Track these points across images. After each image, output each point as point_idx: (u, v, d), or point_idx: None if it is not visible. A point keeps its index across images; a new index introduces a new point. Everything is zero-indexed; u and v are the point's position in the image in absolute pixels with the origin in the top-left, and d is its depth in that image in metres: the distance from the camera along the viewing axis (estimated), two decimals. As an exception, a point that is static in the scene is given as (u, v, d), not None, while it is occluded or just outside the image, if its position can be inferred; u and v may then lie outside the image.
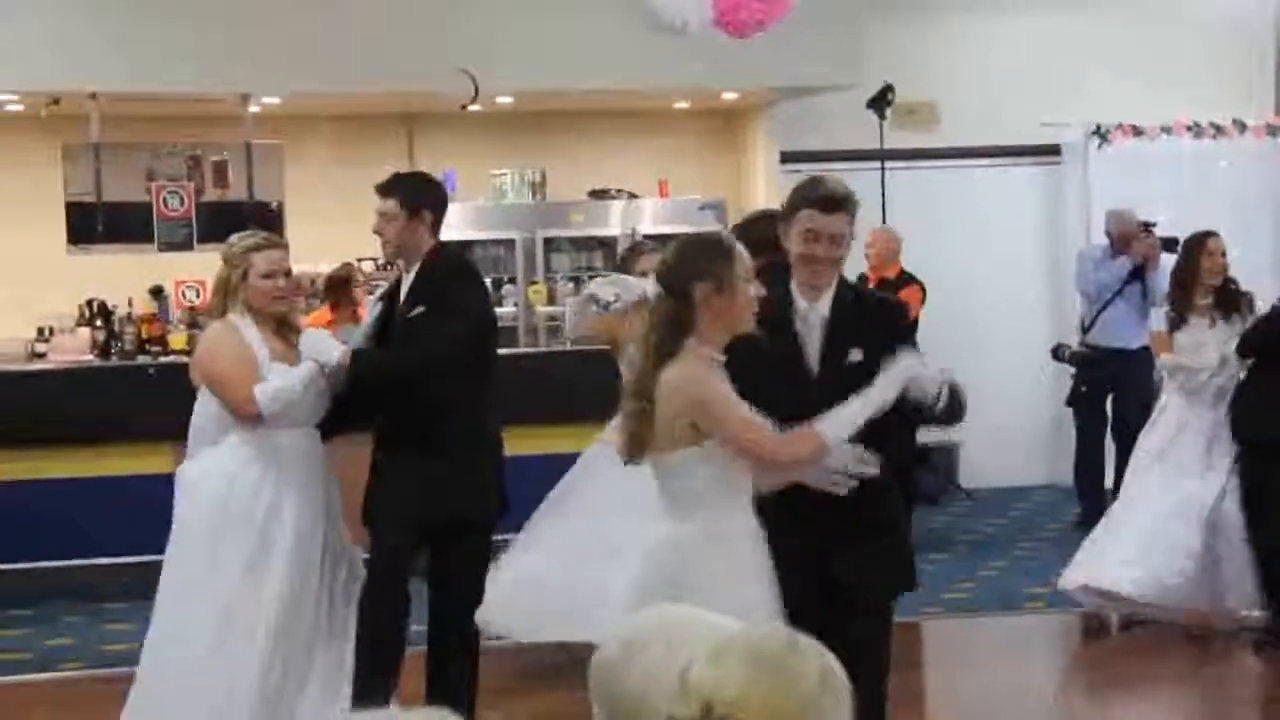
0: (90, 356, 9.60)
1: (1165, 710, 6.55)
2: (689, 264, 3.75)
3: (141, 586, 7.68)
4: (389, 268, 10.71)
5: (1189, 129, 10.87)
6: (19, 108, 9.83)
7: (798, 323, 4.09)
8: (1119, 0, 11.15)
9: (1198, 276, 7.24)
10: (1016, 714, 6.15)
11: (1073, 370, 9.56)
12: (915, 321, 7.13)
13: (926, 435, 7.89)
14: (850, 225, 4.13)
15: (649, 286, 5.32)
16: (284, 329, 5.09)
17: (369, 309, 5.45)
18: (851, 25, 9.95)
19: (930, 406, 3.96)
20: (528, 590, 5.72)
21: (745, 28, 6.71)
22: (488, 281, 7.17)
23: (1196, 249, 7.32)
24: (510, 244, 10.60)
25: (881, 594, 4.17)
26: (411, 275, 5.14)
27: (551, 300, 10.25)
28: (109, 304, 10.18)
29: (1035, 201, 11.15)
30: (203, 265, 10.16)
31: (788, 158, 10.84)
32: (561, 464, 7.91)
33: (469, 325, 5.08)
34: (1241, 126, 10.92)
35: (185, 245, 10.59)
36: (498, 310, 6.69)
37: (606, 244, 11.00)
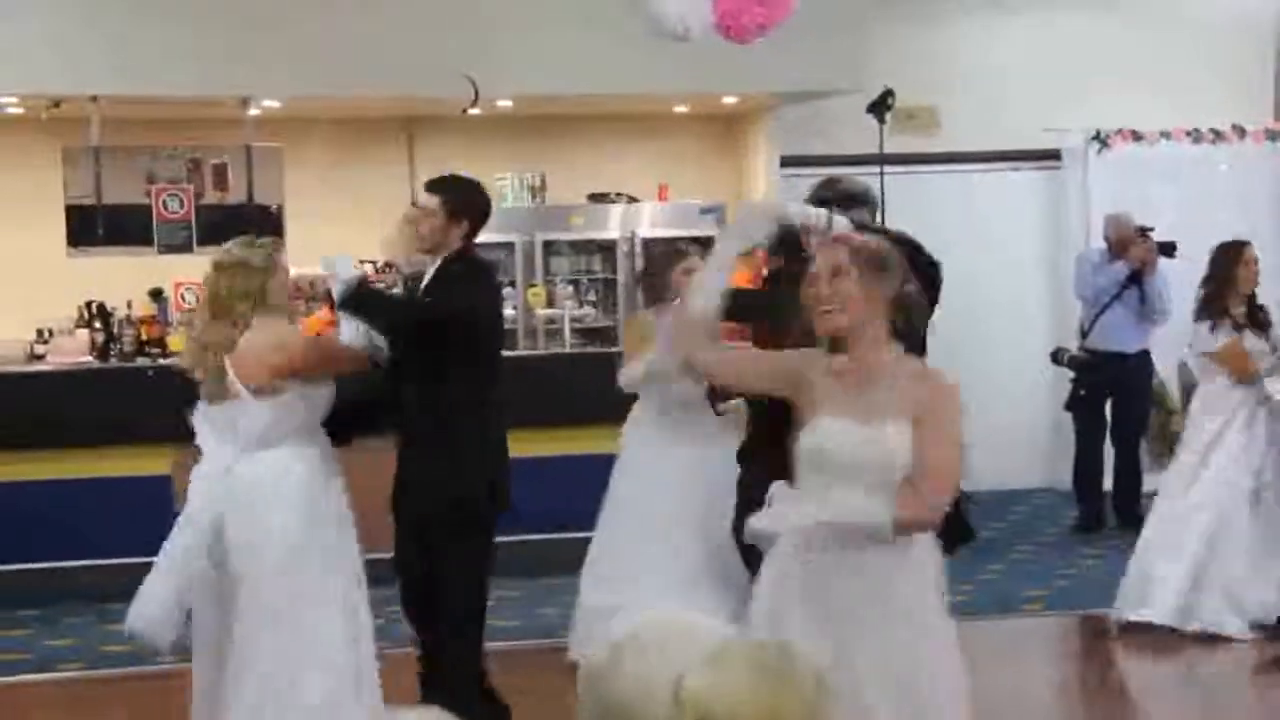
0: (89, 358, 9.60)
1: (1166, 714, 6.55)
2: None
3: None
4: (389, 270, 10.74)
5: (1188, 134, 10.88)
6: (19, 110, 9.83)
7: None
8: (1119, 5, 11.17)
9: (1233, 285, 7.22)
10: (1016, 717, 6.14)
11: (1072, 374, 9.57)
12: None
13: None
14: (871, 222, 4.15)
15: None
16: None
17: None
18: (852, 30, 9.96)
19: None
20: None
21: (746, 32, 6.71)
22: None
23: (1232, 257, 7.28)
24: (510, 247, 10.60)
25: None
26: (431, 274, 5.29)
27: (551, 303, 10.25)
28: (108, 306, 10.18)
29: (1035, 206, 11.16)
30: (202, 268, 10.08)
31: (788, 162, 10.84)
32: (560, 466, 7.93)
33: (465, 311, 5.15)
34: (1241, 132, 10.93)
35: (185, 248, 10.60)
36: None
37: (606, 248, 11.02)
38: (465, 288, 5.21)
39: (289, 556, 4.72)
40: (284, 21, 9.12)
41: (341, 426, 5.13)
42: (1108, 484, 9.68)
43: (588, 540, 7.44)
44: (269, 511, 4.76)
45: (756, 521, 3.47)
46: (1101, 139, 10.87)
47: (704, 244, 9.86)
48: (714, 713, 1.93)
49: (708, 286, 3.73)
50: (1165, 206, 10.63)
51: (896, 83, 10.03)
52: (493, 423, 5.26)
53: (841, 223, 3.97)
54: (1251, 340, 7.15)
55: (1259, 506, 7.03)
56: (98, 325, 10.06)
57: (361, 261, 10.40)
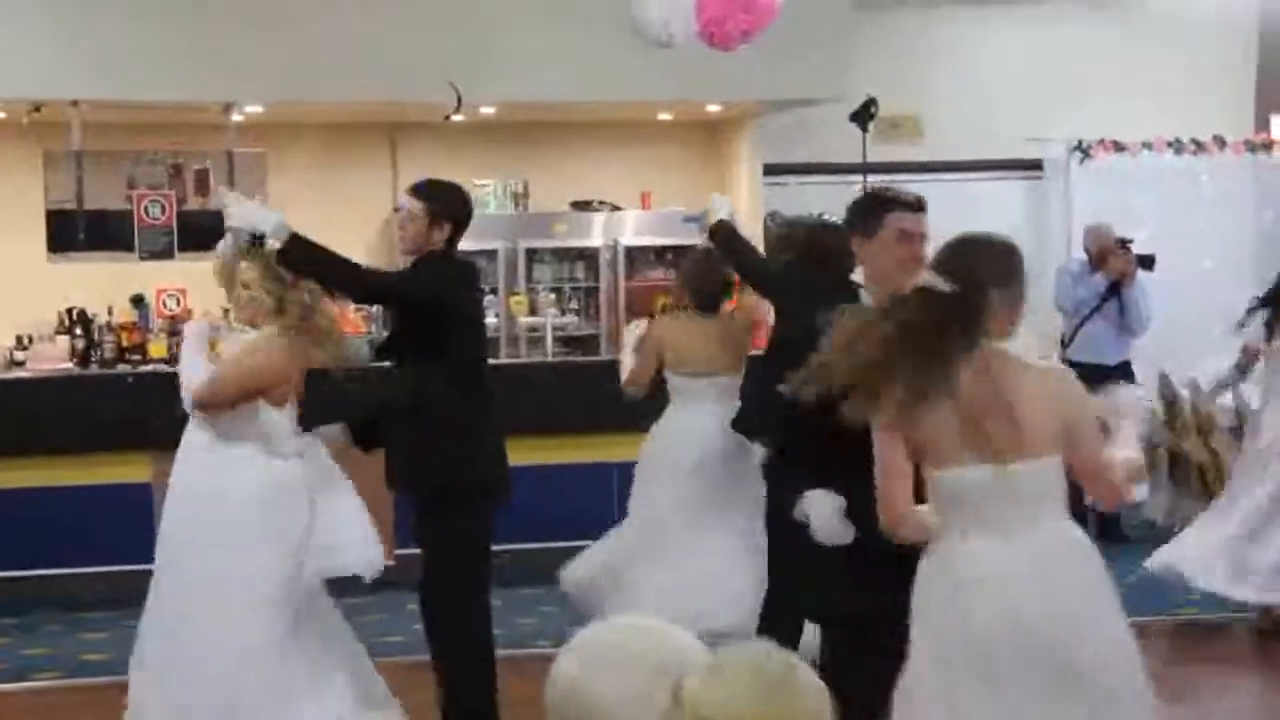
0: (69, 365, 9.56)
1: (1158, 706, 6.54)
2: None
3: (120, 596, 7.68)
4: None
5: (1170, 145, 10.92)
6: (0, 115, 9.80)
7: None
8: (1103, 16, 11.20)
9: None
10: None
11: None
12: None
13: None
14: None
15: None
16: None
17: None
18: (836, 38, 9.97)
19: None
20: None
21: (730, 40, 6.72)
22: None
23: None
24: (492, 254, 10.59)
25: None
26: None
27: (533, 311, 10.24)
28: (89, 312, 10.14)
29: (1018, 216, 11.18)
30: (183, 274, 10.15)
31: (771, 170, 10.86)
32: (543, 476, 7.92)
33: (419, 292, 5.21)
34: (1222, 143, 10.98)
35: (166, 254, 10.57)
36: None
37: (589, 255, 11.01)
38: (431, 276, 5.23)
39: (201, 547, 4.99)
40: (267, 27, 9.10)
41: (366, 432, 5.31)
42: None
43: (570, 550, 7.44)
44: (203, 500, 5.03)
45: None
46: (1083, 149, 10.90)
47: (685, 252, 9.97)
48: (715, 718, 1.92)
49: None
50: (1146, 217, 10.66)
51: (880, 92, 10.05)
52: (476, 418, 5.26)
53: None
54: None
55: None
56: (78, 331, 10.02)
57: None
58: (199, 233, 10.44)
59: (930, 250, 4.00)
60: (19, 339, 9.96)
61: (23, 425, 8.04)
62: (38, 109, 9.48)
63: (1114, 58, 11.12)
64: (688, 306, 6.85)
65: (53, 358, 9.63)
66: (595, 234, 10.96)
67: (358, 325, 10.16)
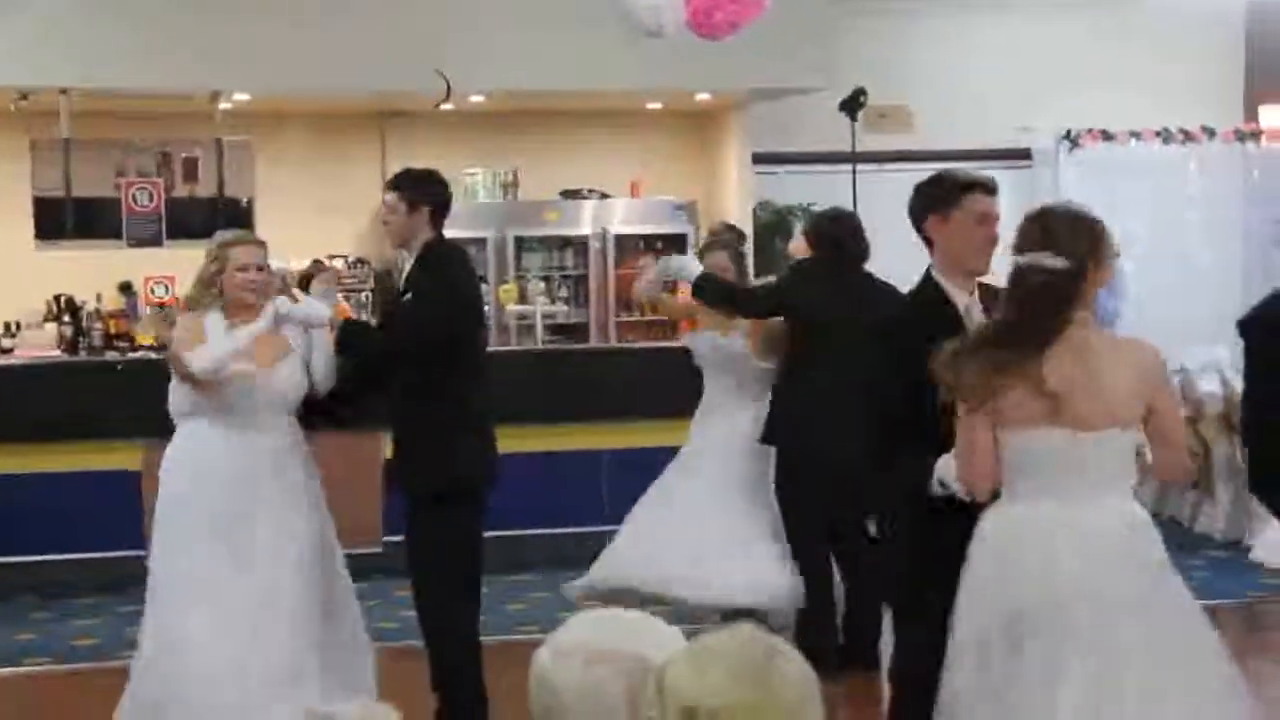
0: (57, 352, 9.55)
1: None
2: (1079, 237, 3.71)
3: (109, 582, 7.69)
4: (361, 264, 10.72)
5: (1158, 134, 10.94)
6: (-12, 102, 9.78)
7: (966, 321, 4.05)
8: (1091, 6, 11.21)
9: None
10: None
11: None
12: None
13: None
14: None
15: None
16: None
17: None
18: (825, 28, 9.97)
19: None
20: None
21: (719, 29, 6.71)
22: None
23: None
24: (482, 243, 10.58)
25: None
26: (409, 266, 5.43)
27: (523, 299, 10.24)
28: (77, 300, 10.13)
29: (1006, 206, 11.14)
30: (172, 262, 10.13)
31: (760, 159, 10.86)
32: (532, 463, 7.92)
33: (445, 309, 5.27)
34: (1210, 132, 10.99)
35: (154, 241, 10.54)
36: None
37: (578, 243, 11.01)
38: (443, 282, 5.27)
39: (170, 516, 5.08)
40: (255, 15, 9.08)
41: (307, 414, 5.33)
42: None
43: (560, 536, 7.46)
44: (167, 475, 5.15)
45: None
46: (1072, 139, 10.91)
47: (675, 241, 9.96)
48: (698, 706, 1.92)
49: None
50: (1135, 206, 10.68)
51: (869, 81, 10.03)
52: (480, 409, 5.31)
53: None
54: None
55: None
56: (66, 319, 10.00)
57: (332, 257, 10.42)
58: (187, 221, 10.44)
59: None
60: (7, 326, 9.95)
61: (11, 413, 8.02)
62: (25, 97, 9.45)
63: (1103, 47, 11.13)
64: None
65: (41, 345, 9.62)
66: (584, 222, 10.96)
67: (347, 312, 10.15)
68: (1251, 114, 11.29)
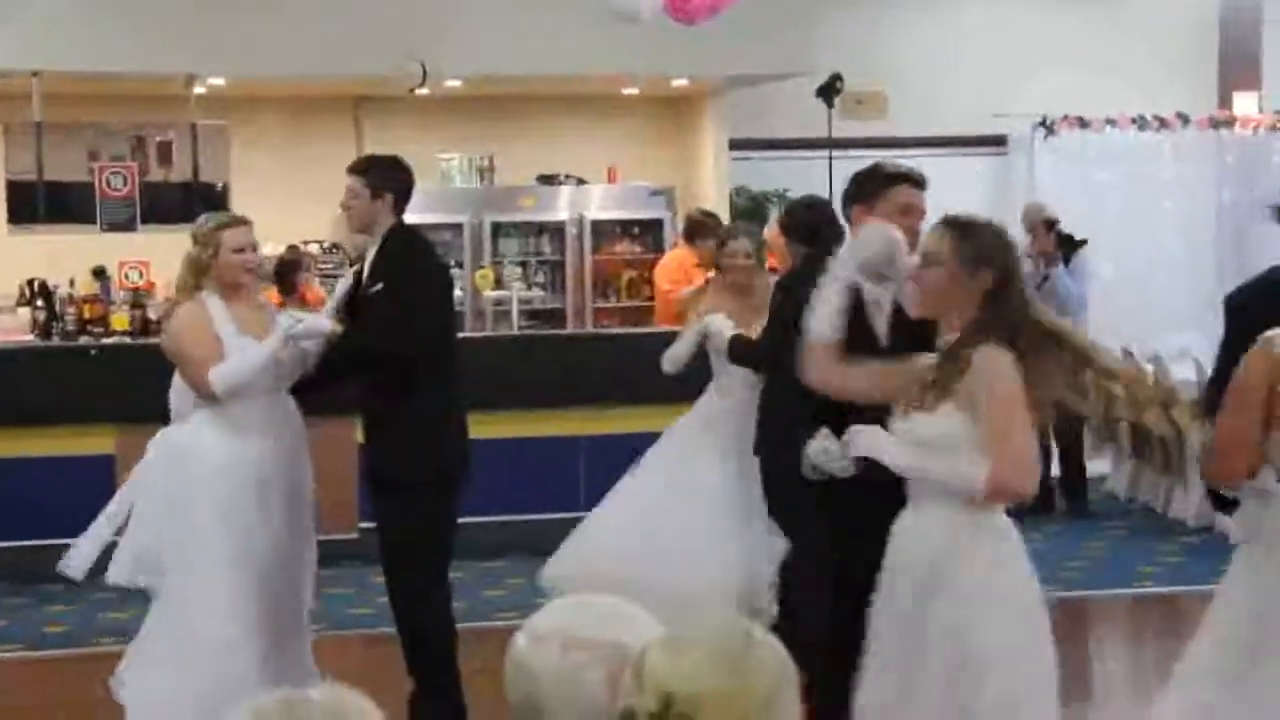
0: (31, 337, 9.50)
1: (1116, 691, 6.62)
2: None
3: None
4: (335, 250, 10.69)
5: (1134, 121, 10.98)
6: (-40, 85, 9.71)
7: (870, 307, 4.08)
8: (1066, -7, 11.25)
9: None
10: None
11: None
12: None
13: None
14: None
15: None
16: (253, 302, 5.27)
17: (339, 285, 5.61)
18: (801, 14, 9.98)
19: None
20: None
21: (696, 15, 6.72)
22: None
23: None
24: (458, 228, 10.56)
25: None
26: (373, 252, 5.36)
27: (499, 285, 10.22)
28: (50, 284, 10.07)
29: (982, 192, 11.21)
30: (146, 246, 10.09)
31: (737, 145, 10.87)
32: (508, 450, 7.92)
33: (428, 299, 5.26)
34: (1184, 119, 11.03)
35: (128, 226, 10.49)
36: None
37: (554, 229, 11.00)
38: (414, 272, 5.26)
39: (174, 512, 5.06)
40: (230, -2, 9.04)
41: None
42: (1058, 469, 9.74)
43: (536, 523, 7.44)
44: (164, 474, 5.11)
45: (853, 439, 3.65)
46: (1047, 125, 10.94)
47: (650, 226, 9.93)
48: (676, 691, 1.93)
49: (828, 309, 3.76)
50: (1110, 192, 10.73)
51: (845, 67, 10.06)
52: (453, 395, 5.32)
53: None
54: None
55: None
56: (39, 304, 9.95)
57: (307, 242, 10.39)
58: (161, 205, 10.38)
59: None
60: (-21, 311, 9.90)
61: (-16, 398, 7.98)
62: (-3, 79, 9.40)
63: (1078, 35, 11.16)
64: None
65: (14, 330, 9.57)
66: (561, 208, 10.94)
67: (322, 297, 10.13)
68: (1226, 101, 11.34)
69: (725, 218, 9.66)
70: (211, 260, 5.10)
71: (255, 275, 5.25)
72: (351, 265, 10.69)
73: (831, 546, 4.12)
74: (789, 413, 6.01)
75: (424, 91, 9.82)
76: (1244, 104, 11.21)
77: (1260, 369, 3.54)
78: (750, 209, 10.84)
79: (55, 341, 9.46)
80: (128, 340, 9.14)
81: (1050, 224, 9.41)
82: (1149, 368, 9.39)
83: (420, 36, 9.23)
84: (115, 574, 5.12)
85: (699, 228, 8.70)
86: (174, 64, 9.29)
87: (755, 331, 6.43)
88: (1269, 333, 3.58)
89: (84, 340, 9.33)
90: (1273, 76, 11.32)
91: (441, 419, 5.28)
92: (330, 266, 10.50)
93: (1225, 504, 3.97)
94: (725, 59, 9.63)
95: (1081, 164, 10.81)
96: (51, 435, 7.92)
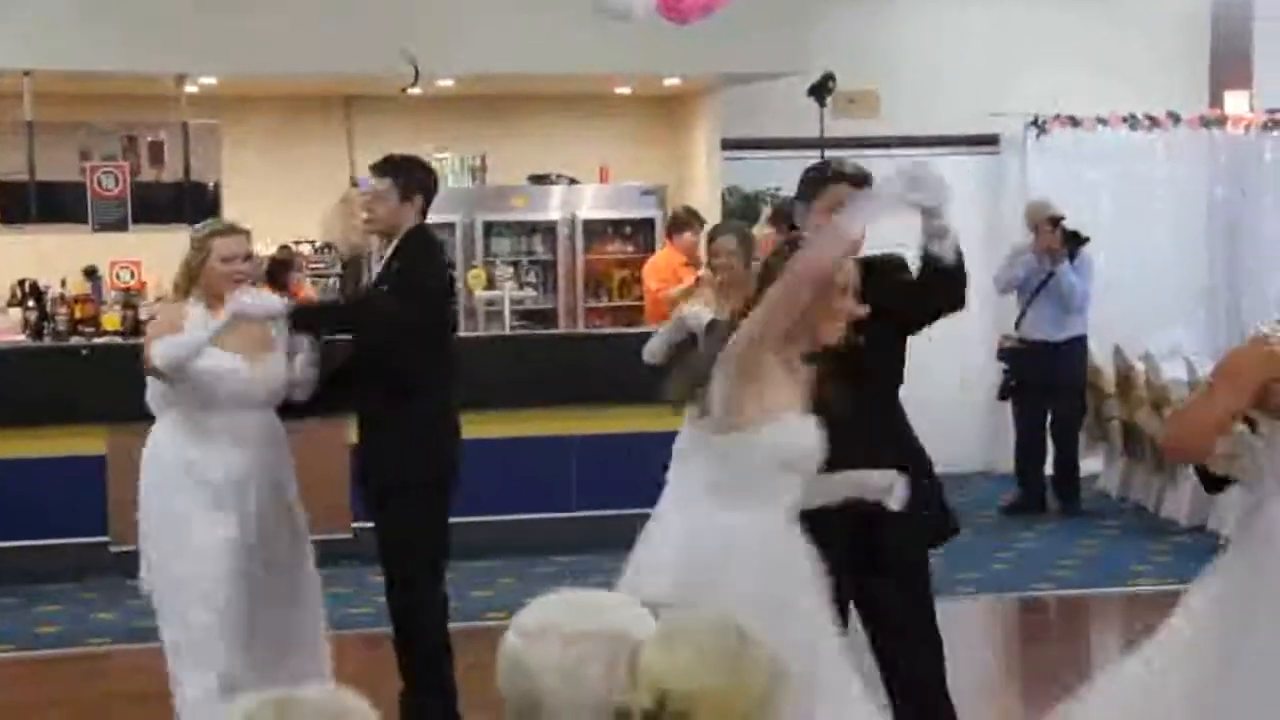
0: (22, 337, 9.48)
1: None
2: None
3: (75, 568, 7.64)
4: (327, 250, 10.68)
5: (1125, 120, 10.98)
6: (-49, 84, 9.69)
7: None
8: (1058, -8, 11.25)
9: None
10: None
11: (1004, 364, 9.64)
12: None
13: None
14: None
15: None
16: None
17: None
18: (794, 13, 9.98)
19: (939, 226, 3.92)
20: None
21: (689, 14, 6.71)
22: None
23: None
24: (450, 228, 10.55)
25: (920, 543, 4.20)
26: (389, 253, 5.31)
27: (491, 285, 10.22)
28: (41, 284, 10.06)
29: (975, 191, 11.21)
30: (137, 246, 10.07)
31: (729, 144, 10.86)
32: (500, 449, 7.91)
33: (424, 303, 5.20)
34: (1176, 119, 11.04)
35: (120, 226, 10.45)
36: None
37: (546, 229, 10.99)
38: (427, 276, 5.23)
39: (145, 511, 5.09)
40: (222, -3, 9.03)
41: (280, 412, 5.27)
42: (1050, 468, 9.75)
43: (528, 522, 7.44)
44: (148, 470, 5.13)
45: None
46: (1039, 124, 10.94)
47: (643, 226, 9.92)
48: (671, 690, 1.93)
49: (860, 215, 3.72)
50: (1102, 191, 10.74)
51: (838, 66, 10.05)
52: (450, 398, 5.32)
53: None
54: None
55: None
56: (31, 304, 9.93)
57: (298, 242, 10.38)
58: (153, 204, 10.36)
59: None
60: (-30, 311, 9.88)
61: (-25, 398, 7.96)
62: (-12, 79, 9.38)
63: (1070, 34, 11.16)
64: None
65: (5, 330, 9.55)
66: (553, 207, 10.94)
67: (313, 297, 10.12)
68: (1217, 100, 11.35)
69: (717, 217, 9.66)
70: (200, 266, 5.08)
71: (243, 286, 5.14)
72: (344, 266, 10.76)
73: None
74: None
75: (416, 91, 9.81)
76: (1235, 103, 11.22)
77: (1257, 361, 3.53)
78: (742, 208, 10.84)
79: (46, 341, 9.45)
80: (119, 340, 9.12)
81: (1055, 221, 9.43)
82: (1139, 366, 9.41)
83: (413, 36, 9.21)
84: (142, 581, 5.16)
85: (676, 222, 8.74)
86: (165, 63, 9.27)
87: None
88: (1264, 327, 3.58)
89: (75, 340, 9.32)
90: (1264, 75, 11.33)
91: (441, 420, 5.28)
92: (322, 266, 10.50)
93: (1215, 484, 3.97)
94: (717, 58, 9.63)
95: (1073, 163, 10.81)
96: (43, 435, 7.92)
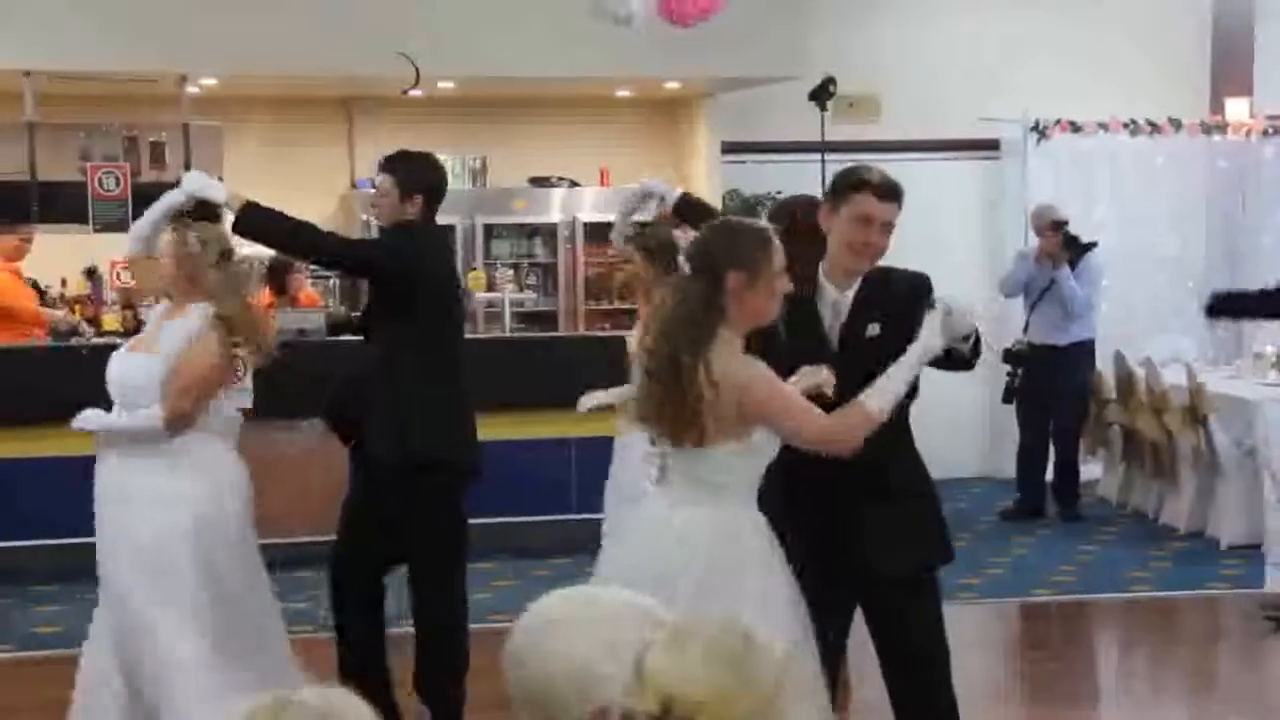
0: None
1: (1107, 696, 6.62)
2: (725, 248, 3.66)
3: (72, 568, 7.63)
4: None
5: (1126, 126, 10.98)
6: (-49, 84, 9.69)
7: (823, 308, 4.01)
8: (1059, -3, 11.25)
9: None
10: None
11: (1008, 367, 9.64)
12: None
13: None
14: (898, 216, 4.03)
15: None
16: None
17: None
18: (794, 17, 9.98)
19: (966, 340, 3.88)
20: None
21: (688, 17, 6.72)
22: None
23: None
24: (451, 230, 10.55)
25: (904, 563, 4.09)
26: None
27: (491, 287, 10.22)
28: (42, 285, 10.05)
29: (975, 195, 11.24)
30: (138, 247, 10.05)
31: (729, 148, 10.87)
32: (500, 452, 7.90)
33: (384, 258, 5.23)
34: (1177, 124, 11.04)
35: (120, 226, 10.41)
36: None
37: (547, 231, 11.00)
38: (396, 245, 5.22)
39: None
40: (223, -1, 9.03)
41: (341, 413, 5.38)
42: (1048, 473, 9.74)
43: (527, 525, 7.43)
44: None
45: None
46: (1040, 130, 10.94)
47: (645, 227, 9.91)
48: (677, 694, 1.92)
49: (891, 391, 3.78)
50: (1102, 197, 10.74)
51: (838, 70, 10.06)
52: (446, 388, 5.28)
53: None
54: None
55: None
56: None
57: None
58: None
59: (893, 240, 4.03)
60: (-30, 311, 9.85)
61: (-26, 398, 7.96)
62: (-11, 79, 9.38)
63: (1071, 39, 11.17)
64: None
65: (5, 330, 9.52)
66: (553, 210, 10.95)
67: (315, 299, 10.13)
68: (1218, 106, 11.35)
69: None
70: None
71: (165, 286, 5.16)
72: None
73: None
74: None
75: (416, 93, 9.82)
76: (1236, 109, 11.22)
77: None
78: (742, 212, 10.84)
79: (47, 342, 9.43)
80: (118, 340, 9.11)
81: (1058, 225, 9.43)
82: (1139, 372, 9.40)
83: (413, 38, 9.21)
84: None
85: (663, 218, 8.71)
86: (166, 64, 9.28)
87: None
88: None
89: (75, 341, 9.31)
90: (1264, 82, 11.34)
91: (429, 403, 5.24)
92: (321, 267, 10.47)
93: None
94: (718, 62, 9.64)
95: (1073, 168, 10.81)
96: (42, 436, 7.91)
